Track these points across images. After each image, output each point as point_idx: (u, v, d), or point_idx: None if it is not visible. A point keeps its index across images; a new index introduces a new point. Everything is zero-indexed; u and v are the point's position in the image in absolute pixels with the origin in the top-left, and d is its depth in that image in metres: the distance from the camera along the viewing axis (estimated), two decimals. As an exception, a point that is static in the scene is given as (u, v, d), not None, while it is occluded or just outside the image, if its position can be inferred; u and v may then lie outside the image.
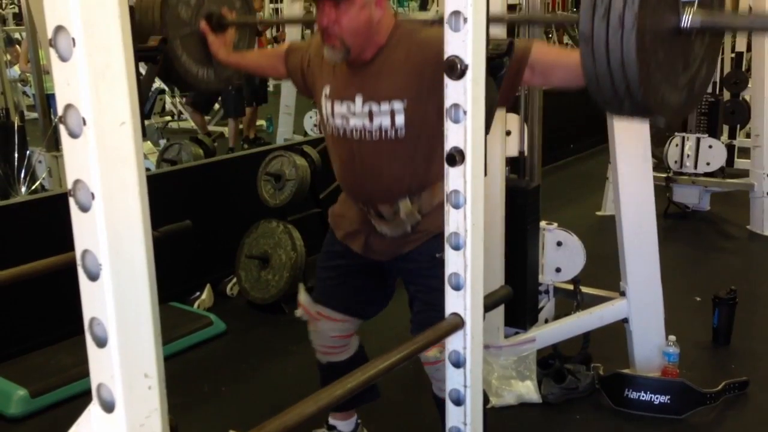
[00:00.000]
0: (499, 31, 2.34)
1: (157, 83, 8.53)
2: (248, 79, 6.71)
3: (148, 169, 4.84)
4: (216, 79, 2.31)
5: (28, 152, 4.33)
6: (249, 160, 4.05)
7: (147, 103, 7.33)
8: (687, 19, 1.25)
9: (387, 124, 1.84)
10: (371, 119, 1.85)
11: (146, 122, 7.02)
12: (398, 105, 1.82)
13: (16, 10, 9.80)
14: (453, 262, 1.35)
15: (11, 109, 4.54)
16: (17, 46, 8.31)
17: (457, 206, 1.33)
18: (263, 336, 3.41)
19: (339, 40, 1.79)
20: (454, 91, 1.28)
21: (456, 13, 1.24)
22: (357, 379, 1.23)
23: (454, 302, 1.38)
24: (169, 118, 7.70)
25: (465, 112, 1.28)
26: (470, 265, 1.34)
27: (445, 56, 1.26)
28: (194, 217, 2.41)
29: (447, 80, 1.28)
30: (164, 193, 3.59)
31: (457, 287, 1.37)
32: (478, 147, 1.31)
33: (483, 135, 1.33)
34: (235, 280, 3.79)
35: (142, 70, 2.37)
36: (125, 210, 0.78)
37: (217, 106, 7.90)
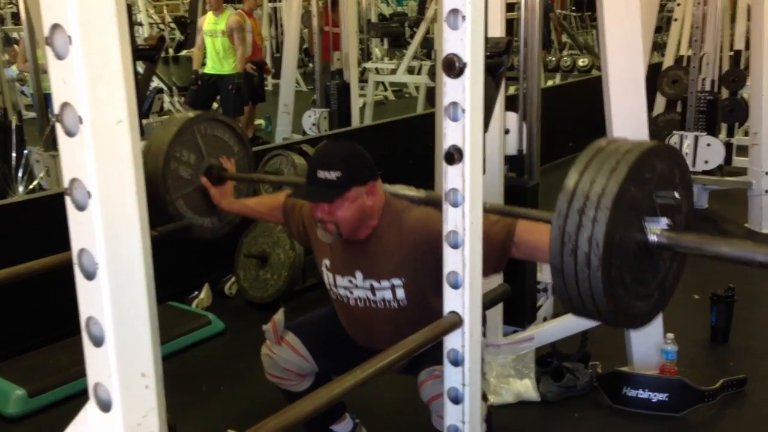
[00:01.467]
0: (498, 31, 2.34)
1: (156, 82, 8.52)
2: (246, 78, 6.70)
3: (146, 169, 4.83)
4: (221, 225, 2.41)
5: (25, 152, 4.32)
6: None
7: (145, 103, 7.32)
8: (654, 238, 1.30)
9: (389, 297, 1.93)
10: (374, 293, 1.94)
11: (145, 121, 7.02)
12: (397, 281, 1.91)
13: (15, 9, 9.79)
14: (451, 260, 1.35)
15: (9, 109, 4.54)
16: (15, 45, 8.30)
17: (455, 204, 1.33)
18: (262, 335, 3.38)
19: (333, 226, 1.86)
20: (452, 90, 1.27)
21: (454, 11, 1.24)
22: (356, 377, 1.23)
23: (452, 301, 1.38)
24: (167, 117, 7.68)
25: (463, 111, 1.28)
26: (468, 263, 1.34)
27: (444, 54, 1.26)
28: (192, 216, 2.44)
29: (445, 78, 1.27)
30: (162, 192, 3.58)
31: (455, 285, 1.37)
32: (476, 145, 1.31)
33: (482, 133, 1.33)
34: (233, 279, 3.79)
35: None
36: (122, 209, 0.78)
37: (215, 105, 7.89)
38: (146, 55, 1.98)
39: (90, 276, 0.79)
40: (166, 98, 7.85)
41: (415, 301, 1.91)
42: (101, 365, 0.82)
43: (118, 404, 0.82)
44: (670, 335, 2.72)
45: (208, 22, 6.69)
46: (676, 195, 1.35)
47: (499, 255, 1.77)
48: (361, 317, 2.01)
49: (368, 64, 10.37)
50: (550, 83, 9.83)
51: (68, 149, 0.76)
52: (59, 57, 0.72)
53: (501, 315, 2.67)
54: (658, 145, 1.43)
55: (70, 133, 0.75)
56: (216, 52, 6.63)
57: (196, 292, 3.68)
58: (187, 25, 10.46)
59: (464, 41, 1.23)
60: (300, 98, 8.11)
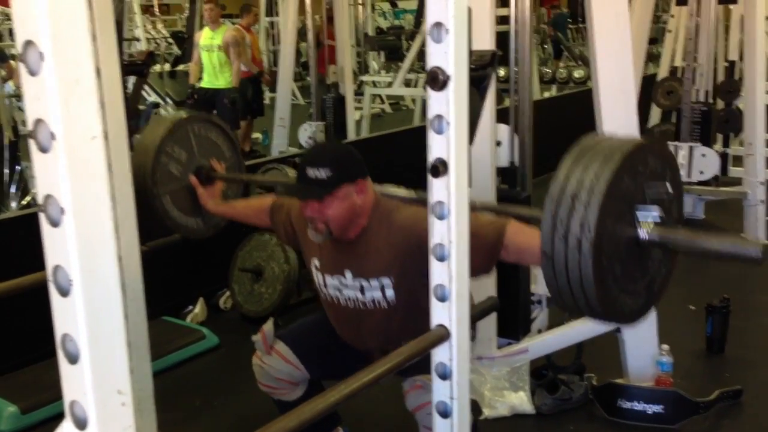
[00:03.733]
0: (488, 44, 2.34)
1: (152, 96, 8.55)
2: (242, 92, 6.72)
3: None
4: (205, 227, 2.38)
5: (19, 167, 4.32)
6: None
7: (142, 117, 7.33)
8: (645, 233, 1.30)
9: (379, 296, 1.93)
10: (363, 292, 1.94)
11: (140, 135, 7.03)
12: (387, 281, 1.91)
13: (11, 25, 9.82)
14: (438, 273, 1.35)
15: (4, 125, 4.54)
16: (11, 62, 8.32)
17: (441, 217, 1.32)
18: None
19: (323, 225, 1.86)
20: (436, 102, 1.27)
21: (438, 25, 1.24)
22: (350, 386, 1.23)
23: (439, 313, 1.37)
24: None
25: (448, 123, 1.28)
26: (455, 276, 1.34)
27: (428, 67, 1.26)
28: (187, 231, 2.43)
29: (430, 91, 1.28)
30: (156, 207, 3.58)
31: (442, 298, 1.36)
32: (461, 158, 1.31)
33: (467, 146, 1.33)
34: (228, 293, 3.78)
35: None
36: (96, 225, 0.77)
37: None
38: (135, 69, 1.98)
39: (65, 293, 0.78)
40: (162, 112, 7.85)
41: (404, 301, 1.91)
42: (77, 383, 0.81)
43: (93, 422, 0.81)
44: (665, 347, 2.71)
45: (204, 36, 6.71)
46: (668, 187, 1.34)
47: (489, 256, 1.77)
48: (350, 317, 2.01)
49: (365, 77, 10.41)
50: (546, 95, 9.86)
51: (42, 165, 0.75)
52: (32, 73, 0.72)
53: (495, 327, 2.66)
54: (652, 142, 1.44)
55: (43, 149, 0.74)
56: (212, 67, 6.65)
57: (190, 307, 3.67)
58: (185, 41, 10.50)
59: (448, 54, 1.24)
60: (297, 112, 8.13)
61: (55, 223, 0.76)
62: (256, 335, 2.14)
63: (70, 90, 0.73)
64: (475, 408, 2.55)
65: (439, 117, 1.28)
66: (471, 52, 1.35)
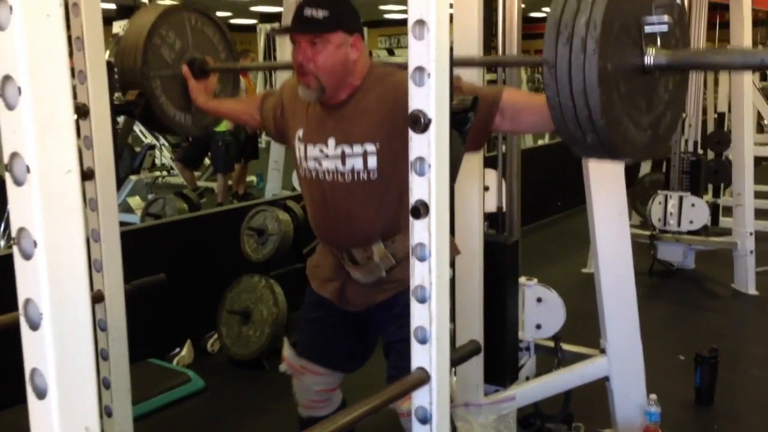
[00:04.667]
0: (476, 73, 2.36)
1: (149, 139, 8.60)
2: (235, 135, 6.77)
3: (132, 224, 4.84)
4: (193, 126, 2.32)
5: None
6: (232, 215, 4.05)
7: (137, 158, 7.38)
8: (651, 57, 1.27)
9: (360, 166, 1.85)
10: (344, 161, 1.86)
11: (134, 177, 7.05)
12: (371, 147, 1.83)
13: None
14: (418, 315, 1.35)
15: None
16: None
17: (422, 259, 1.33)
18: (243, 393, 3.35)
19: (314, 77, 1.81)
20: (418, 145, 1.29)
21: (420, 69, 1.26)
22: (336, 423, 1.22)
23: (419, 356, 1.36)
24: (158, 173, 7.73)
25: (429, 165, 1.29)
26: (435, 318, 1.33)
27: (409, 110, 1.29)
28: (176, 272, 2.39)
29: (411, 134, 1.29)
30: (147, 247, 3.58)
31: (423, 341, 1.36)
32: (442, 200, 1.32)
33: (447, 188, 1.34)
34: (216, 336, 3.75)
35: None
36: (68, 259, 0.77)
37: (207, 161, 7.95)
38: (125, 110, 2.01)
39: (35, 326, 0.78)
40: (157, 154, 7.90)
41: (385, 173, 1.83)
42: (44, 418, 0.80)
43: (60, 458, 0.80)
44: (653, 396, 2.68)
45: (201, 80, 6.80)
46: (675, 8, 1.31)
47: (485, 119, 1.71)
48: (327, 195, 1.93)
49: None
50: (540, 142, 9.95)
51: (16, 199, 0.76)
52: (9, 107, 0.73)
53: (482, 373, 2.63)
54: None
55: (18, 183, 0.75)
56: (208, 110, 6.72)
57: (177, 349, 3.64)
58: (183, 84, 10.63)
59: (429, 98, 1.26)
60: (290, 155, 8.18)
61: (27, 256, 0.76)
62: (283, 365, 2.19)
63: (46, 124, 0.74)
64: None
65: (421, 159, 1.29)
66: (452, 96, 1.37)
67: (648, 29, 1.26)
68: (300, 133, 1.96)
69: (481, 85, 1.77)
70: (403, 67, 1.89)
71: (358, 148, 1.84)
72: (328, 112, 1.90)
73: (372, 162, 1.84)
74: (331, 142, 1.87)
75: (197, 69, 2.27)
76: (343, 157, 1.86)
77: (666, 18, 1.25)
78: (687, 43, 1.41)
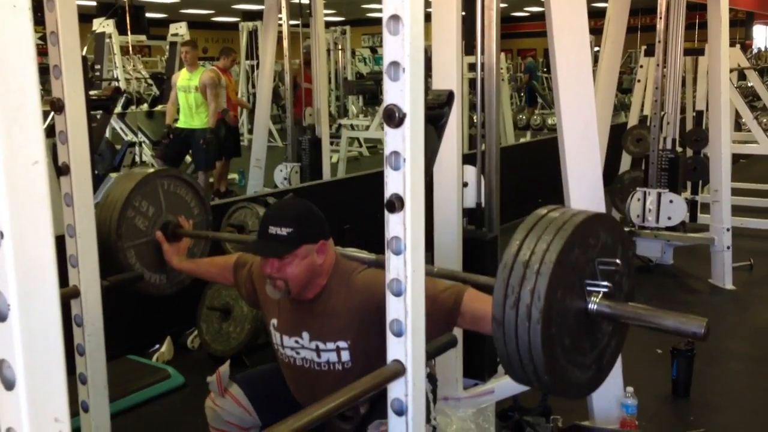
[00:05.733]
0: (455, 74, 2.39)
1: (129, 136, 8.55)
2: (216, 132, 6.75)
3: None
4: (168, 284, 2.38)
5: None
6: (213, 212, 4.02)
7: (117, 156, 7.32)
8: (594, 305, 1.34)
9: (334, 359, 1.92)
10: (319, 355, 1.93)
11: (114, 174, 7.00)
12: (343, 344, 1.90)
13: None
14: (394, 308, 1.35)
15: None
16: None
17: (397, 252, 1.33)
18: (222, 390, 3.34)
19: (282, 283, 1.87)
20: (393, 139, 1.30)
21: (394, 63, 1.27)
22: (300, 420, 1.22)
23: (395, 349, 1.37)
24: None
25: (404, 160, 1.30)
26: (411, 311, 1.34)
27: (384, 105, 1.29)
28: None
29: (386, 128, 1.30)
30: (125, 244, 3.56)
31: (398, 333, 1.36)
32: (417, 193, 1.33)
33: (422, 182, 1.35)
34: (196, 332, 3.74)
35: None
36: (35, 249, 0.77)
37: (188, 159, 7.91)
38: (101, 105, 2.00)
39: (2, 317, 0.77)
40: (138, 151, 7.85)
41: (359, 364, 1.89)
42: (13, 409, 0.80)
43: (29, 450, 0.80)
44: (630, 389, 2.72)
45: (182, 78, 6.78)
46: (618, 262, 1.38)
47: (445, 322, 1.78)
48: (306, 379, 1.99)
49: (344, 121, 10.52)
50: (522, 140, 10.01)
51: (-18, 191, 0.76)
52: (-25, 100, 0.73)
53: (461, 367, 2.65)
54: (603, 214, 1.48)
55: (-16, 175, 0.75)
56: (189, 107, 6.70)
57: (157, 345, 3.62)
58: (164, 81, 10.57)
59: (404, 92, 1.26)
60: (275, 153, 8.17)
61: (-6, 248, 0.76)
62: (211, 377, 2.13)
63: (13, 116, 0.73)
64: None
65: (396, 153, 1.30)
66: (428, 91, 1.38)
67: (590, 289, 1.34)
68: (275, 322, 2.01)
69: (444, 284, 1.82)
70: (366, 262, 1.97)
71: (331, 345, 1.91)
72: (297, 307, 1.96)
73: (345, 356, 1.91)
74: (306, 335, 1.94)
75: (170, 234, 2.32)
76: (318, 350, 1.93)
77: (605, 284, 1.32)
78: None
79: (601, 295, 1.33)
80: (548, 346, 1.25)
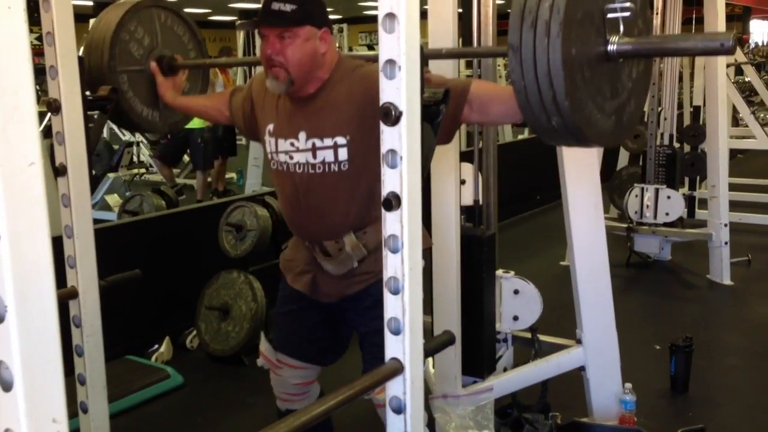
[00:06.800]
0: (452, 66, 2.37)
1: (127, 136, 8.53)
2: (213, 131, 6.75)
3: (109, 221, 4.81)
4: (161, 122, 2.30)
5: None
6: (211, 211, 4.04)
7: (115, 156, 7.32)
8: (614, 44, 1.29)
9: (330, 158, 1.86)
10: (315, 154, 1.87)
11: (113, 175, 7.00)
12: (341, 140, 1.84)
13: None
14: (392, 306, 1.35)
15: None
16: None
17: (395, 251, 1.34)
18: (221, 389, 3.35)
19: (283, 70, 1.81)
20: (389, 137, 1.30)
21: (390, 62, 1.27)
22: (289, 425, 1.22)
23: (393, 347, 1.37)
24: (136, 171, 7.68)
25: (401, 158, 1.30)
26: (408, 309, 1.34)
27: (380, 103, 1.29)
28: (154, 269, 2.37)
29: (383, 126, 1.30)
30: (124, 244, 3.56)
31: (396, 332, 1.37)
32: (414, 192, 1.33)
33: (419, 180, 1.35)
34: (195, 332, 3.74)
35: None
36: (32, 250, 0.77)
37: (186, 158, 7.91)
38: (98, 105, 1.99)
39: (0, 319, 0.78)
40: (135, 151, 7.85)
41: (356, 164, 1.85)
42: (11, 410, 0.80)
43: (27, 451, 0.80)
44: (629, 385, 2.72)
45: (179, 77, 6.77)
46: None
47: (452, 113, 1.71)
48: (298, 187, 1.93)
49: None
50: (520, 137, 10.00)
51: (-22, 192, 0.76)
52: (-29, 102, 0.73)
53: (460, 365, 2.65)
54: None
55: (-20, 175, 0.75)
56: (186, 107, 6.69)
57: (156, 346, 3.62)
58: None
59: (400, 90, 1.26)
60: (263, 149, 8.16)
61: (-11, 254, 0.76)
62: (260, 359, 2.19)
63: (9, 116, 0.73)
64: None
65: (393, 151, 1.30)
66: (423, 89, 1.38)
67: (611, 16, 1.28)
68: (270, 127, 1.96)
69: (450, 77, 1.78)
70: (372, 60, 1.92)
71: (328, 141, 1.85)
72: (297, 106, 1.90)
73: (343, 154, 1.85)
74: (302, 135, 1.88)
75: (166, 66, 2.25)
76: (314, 150, 1.87)
77: (628, 4, 1.27)
78: (650, 31, 1.43)
79: (621, 31, 1.27)
80: (568, 66, 1.19)
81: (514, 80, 1.25)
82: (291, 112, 1.92)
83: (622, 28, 1.29)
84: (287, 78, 1.82)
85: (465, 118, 1.77)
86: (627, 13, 1.27)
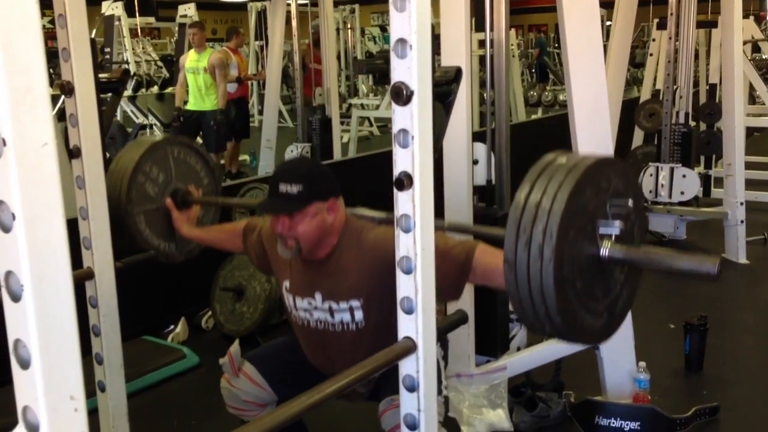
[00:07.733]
0: (464, 54, 2.37)
1: (140, 119, 8.56)
2: (225, 114, 6.75)
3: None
4: (177, 252, 2.37)
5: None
6: (225, 193, 4.04)
7: (128, 139, 7.34)
8: (606, 251, 1.32)
9: (348, 319, 1.93)
10: (332, 315, 1.94)
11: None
12: (356, 303, 1.90)
13: None
14: (404, 286, 1.36)
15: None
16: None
17: (407, 230, 1.34)
18: (237, 369, 3.37)
19: (293, 241, 1.87)
20: (401, 117, 1.30)
21: (402, 41, 1.27)
22: (312, 397, 1.24)
23: (406, 326, 1.38)
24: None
25: (412, 137, 1.30)
26: (421, 288, 1.35)
27: (392, 82, 1.29)
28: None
29: (394, 106, 1.30)
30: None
31: (409, 311, 1.37)
32: (426, 171, 1.33)
33: (431, 159, 1.35)
34: (210, 313, 3.77)
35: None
36: (47, 230, 0.78)
37: (199, 140, 7.92)
38: (111, 87, 2.00)
39: (16, 298, 0.79)
40: (149, 133, 7.87)
41: (373, 322, 1.90)
42: (29, 388, 0.81)
43: (45, 427, 0.81)
44: (642, 364, 2.72)
45: (190, 59, 6.77)
46: (630, 203, 1.36)
47: (458, 278, 1.77)
48: (320, 340, 2.00)
49: (354, 100, 10.48)
50: (533, 117, 9.95)
51: (-8, 174, 0.76)
52: (-18, 83, 0.74)
53: (473, 344, 2.66)
54: (615, 159, 1.46)
55: (-6, 156, 0.76)
56: (198, 89, 6.69)
57: (172, 326, 3.66)
58: (174, 63, 10.57)
59: (411, 70, 1.26)
60: (286, 134, 8.17)
61: (6, 229, 0.77)
62: (224, 358, 2.14)
63: (22, 97, 0.74)
64: (454, 426, 2.55)
65: (404, 131, 1.30)
66: (435, 68, 1.37)
67: (603, 232, 1.32)
68: (287, 284, 2.02)
69: (455, 240, 1.83)
70: (376, 220, 1.96)
71: (344, 305, 1.92)
72: (309, 268, 1.96)
73: (359, 315, 1.92)
74: (318, 296, 1.95)
75: (180, 201, 2.31)
76: (331, 311, 1.94)
77: (617, 224, 1.31)
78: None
79: (613, 239, 1.31)
80: (560, 286, 1.23)
81: (509, 289, 1.30)
82: (304, 272, 1.97)
83: (613, 237, 1.33)
84: (297, 247, 1.87)
85: (470, 281, 1.82)
86: (616, 231, 1.31)
